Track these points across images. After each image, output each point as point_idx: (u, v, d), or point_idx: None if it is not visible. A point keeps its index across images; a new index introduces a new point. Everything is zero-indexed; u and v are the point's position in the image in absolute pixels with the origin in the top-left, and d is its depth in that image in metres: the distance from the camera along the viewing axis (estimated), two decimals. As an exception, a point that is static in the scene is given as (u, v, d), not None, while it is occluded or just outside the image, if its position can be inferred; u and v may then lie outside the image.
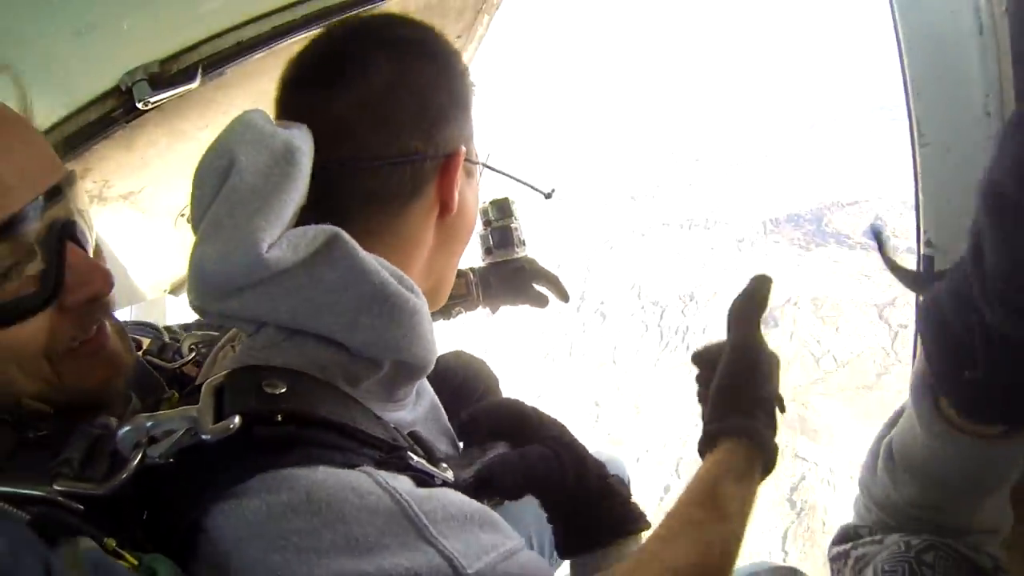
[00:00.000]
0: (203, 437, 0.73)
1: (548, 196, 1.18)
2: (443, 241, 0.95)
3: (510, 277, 1.52)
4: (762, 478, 0.97)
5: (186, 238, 1.89)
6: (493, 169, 1.04)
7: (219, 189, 0.81)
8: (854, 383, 9.35)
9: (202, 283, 0.81)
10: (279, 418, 0.75)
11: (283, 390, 0.77)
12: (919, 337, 0.81)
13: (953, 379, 0.72)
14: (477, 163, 0.99)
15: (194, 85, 1.24)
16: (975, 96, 1.04)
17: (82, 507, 0.72)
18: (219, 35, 1.26)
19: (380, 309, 0.81)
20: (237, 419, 0.73)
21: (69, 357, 0.83)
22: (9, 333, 0.77)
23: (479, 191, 1.03)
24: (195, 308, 0.86)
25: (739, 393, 1.00)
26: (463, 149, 0.93)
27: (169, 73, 1.22)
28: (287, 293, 0.80)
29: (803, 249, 12.17)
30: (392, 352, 0.85)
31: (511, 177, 1.08)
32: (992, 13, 0.99)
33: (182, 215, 1.86)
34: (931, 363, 0.74)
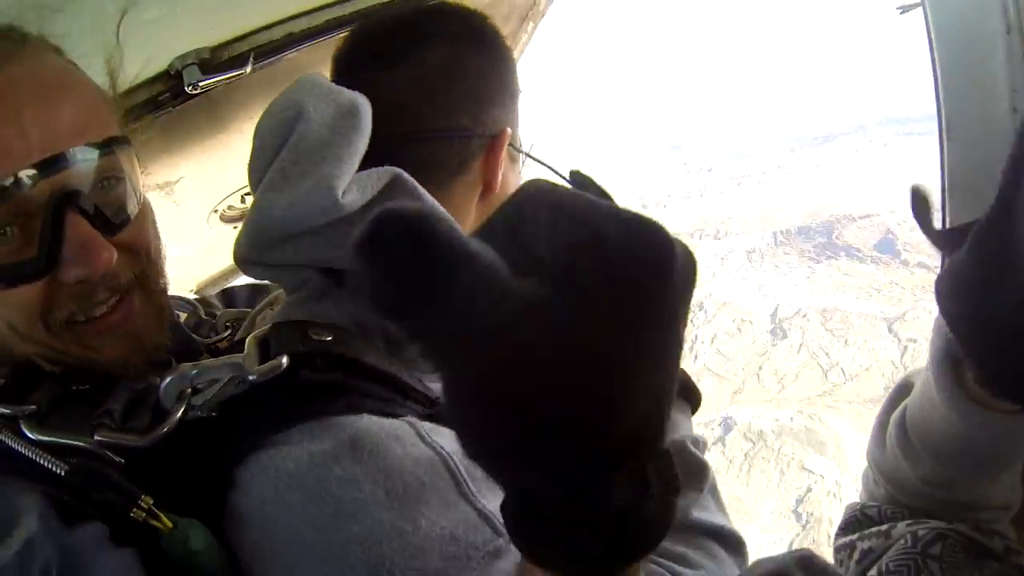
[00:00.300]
0: (250, 378, 0.76)
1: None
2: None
3: None
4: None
5: (217, 238, 1.90)
6: (536, 159, 1.06)
7: (285, 140, 0.84)
8: (862, 396, 9.29)
9: (262, 230, 0.84)
10: (324, 364, 0.78)
11: (329, 338, 0.81)
12: (943, 317, 0.76)
13: (993, 362, 0.70)
14: (520, 151, 1.03)
15: (246, 71, 1.28)
16: (1002, 92, 1.07)
17: (122, 460, 0.74)
18: (270, 26, 1.30)
19: None
20: (285, 359, 0.76)
21: (72, 329, 0.80)
22: (1, 295, 0.76)
23: (520, 180, 1.06)
24: (243, 260, 0.89)
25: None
26: (508, 131, 0.97)
27: (220, 59, 1.26)
28: (348, 234, 0.82)
29: (813, 261, 12.15)
30: None
31: (552, 169, 1.07)
32: (1019, 13, 1.03)
33: (215, 211, 1.87)
34: (965, 345, 0.72)
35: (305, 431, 0.74)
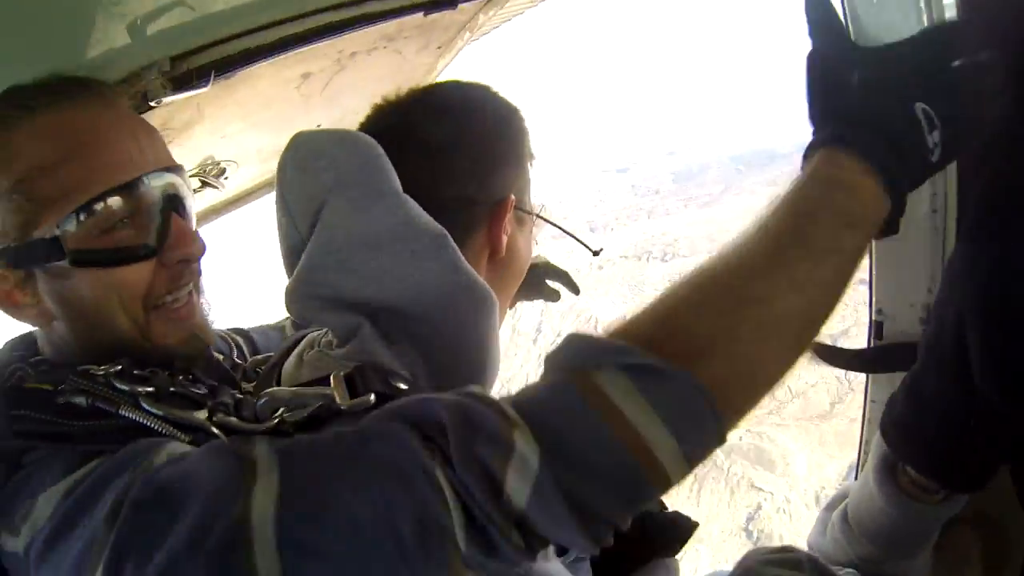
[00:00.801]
0: (341, 408, 0.84)
1: (596, 253, 1.28)
2: (493, 282, 1.01)
3: (528, 275, 1.56)
4: (889, 209, 0.80)
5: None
6: (545, 220, 1.13)
7: (322, 186, 0.92)
8: (809, 412, 9.47)
9: (332, 250, 0.92)
10: None
11: (405, 387, 0.88)
12: (894, 423, 1.04)
13: (933, 455, 0.98)
14: (529, 213, 1.09)
15: (205, 89, 1.31)
16: (925, 193, 1.23)
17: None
18: (227, 40, 1.32)
19: (471, 298, 0.93)
20: (373, 397, 0.85)
21: (160, 312, 0.99)
22: (118, 273, 0.95)
23: (532, 241, 1.13)
24: (299, 296, 0.97)
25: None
26: (512, 198, 1.03)
27: (180, 72, 1.27)
28: (414, 261, 0.91)
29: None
30: (469, 347, 0.95)
31: (562, 229, 1.17)
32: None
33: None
34: (912, 439, 1.00)
35: None
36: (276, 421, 0.86)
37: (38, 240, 0.92)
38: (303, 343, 1.07)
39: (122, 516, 0.68)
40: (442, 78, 2.31)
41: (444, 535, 0.65)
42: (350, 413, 0.84)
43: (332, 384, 0.87)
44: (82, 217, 0.92)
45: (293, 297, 0.97)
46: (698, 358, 0.70)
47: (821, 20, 0.86)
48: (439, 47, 2.03)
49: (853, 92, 0.82)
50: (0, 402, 0.88)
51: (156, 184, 0.97)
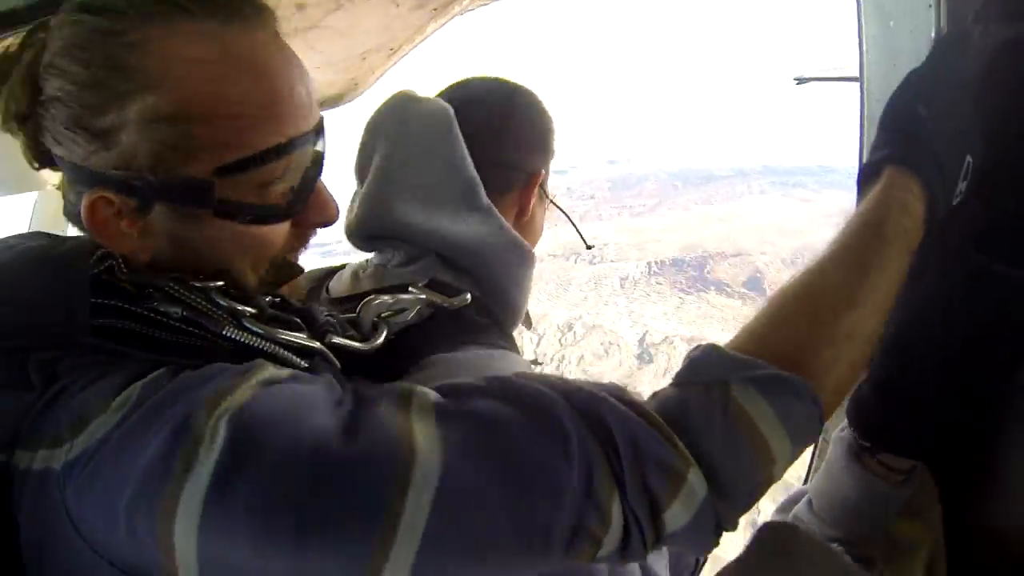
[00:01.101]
0: (444, 305, 1.01)
1: (590, 247, 1.47)
2: None
3: None
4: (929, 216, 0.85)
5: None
6: (556, 205, 1.37)
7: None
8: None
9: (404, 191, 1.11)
10: (481, 311, 1.07)
11: (478, 295, 1.07)
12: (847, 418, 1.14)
13: (911, 439, 1.07)
14: (547, 196, 1.31)
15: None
16: None
17: (339, 365, 0.86)
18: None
19: (517, 251, 1.17)
20: (468, 296, 1.04)
21: (273, 267, 0.89)
22: (261, 231, 0.83)
23: (545, 219, 1.35)
24: (359, 241, 1.18)
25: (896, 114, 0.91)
26: (543, 172, 1.26)
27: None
28: (455, 225, 1.11)
29: (684, 293, 12.65)
30: (510, 290, 1.18)
31: (567, 216, 1.40)
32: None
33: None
34: (889, 429, 1.08)
35: (472, 350, 0.97)
36: (383, 339, 0.94)
37: (182, 180, 0.76)
38: (354, 264, 1.23)
39: (233, 428, 0.63)
40: (429, 43, 2.32)
41: (592, 546, 0.69)
42: (452, 314, 1.01)
43: (419, 292, 1.01)
44: (246, 167, 0.78)
45: (353, 231, 1.16)
46: (819, 391, 0.74)
47: (955, 44, 0.91)
48: (435, 8, 2.01)
49: (943, 123, 0.86)
50: (83, 287, 0.74)
51: (318, 145, 0.85)
